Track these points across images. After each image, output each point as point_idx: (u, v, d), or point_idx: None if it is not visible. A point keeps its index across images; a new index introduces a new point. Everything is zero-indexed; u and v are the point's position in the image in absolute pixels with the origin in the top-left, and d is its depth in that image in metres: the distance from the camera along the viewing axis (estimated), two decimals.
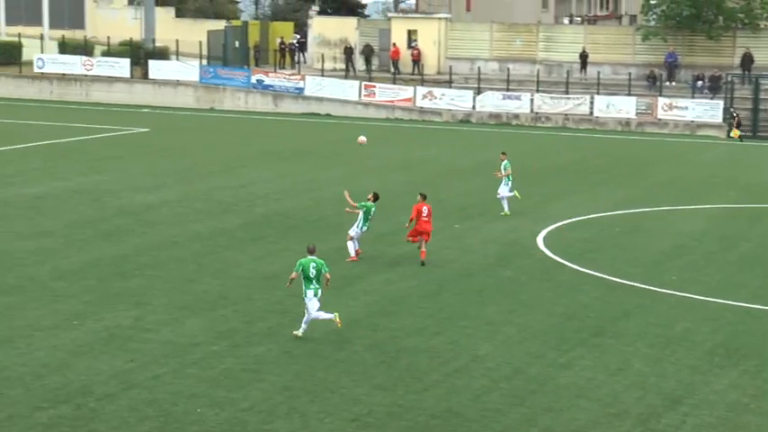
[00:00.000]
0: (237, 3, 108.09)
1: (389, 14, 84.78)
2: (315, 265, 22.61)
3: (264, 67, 77.00)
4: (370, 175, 44.44)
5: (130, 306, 24.56)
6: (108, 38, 78.17)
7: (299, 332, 22.62)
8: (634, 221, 36.22)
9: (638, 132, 62.69)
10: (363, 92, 68.69)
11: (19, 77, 77.33)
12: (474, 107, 66.59)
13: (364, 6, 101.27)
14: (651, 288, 27.43)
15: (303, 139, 56.94)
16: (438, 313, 24.66)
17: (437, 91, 67.75)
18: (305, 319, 22.66)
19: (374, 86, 68.84)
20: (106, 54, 77.34)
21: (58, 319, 23.47)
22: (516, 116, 65.63)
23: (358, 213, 29.83)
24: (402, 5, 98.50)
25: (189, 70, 73.29)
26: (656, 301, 26.32)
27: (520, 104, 65.91)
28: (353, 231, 29.84)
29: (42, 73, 76.41)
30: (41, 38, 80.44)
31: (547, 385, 20.15)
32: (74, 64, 75.80)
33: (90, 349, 21.49)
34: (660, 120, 63.28)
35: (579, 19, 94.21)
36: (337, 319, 22.61)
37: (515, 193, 36.84)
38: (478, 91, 67.46)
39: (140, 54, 75.54)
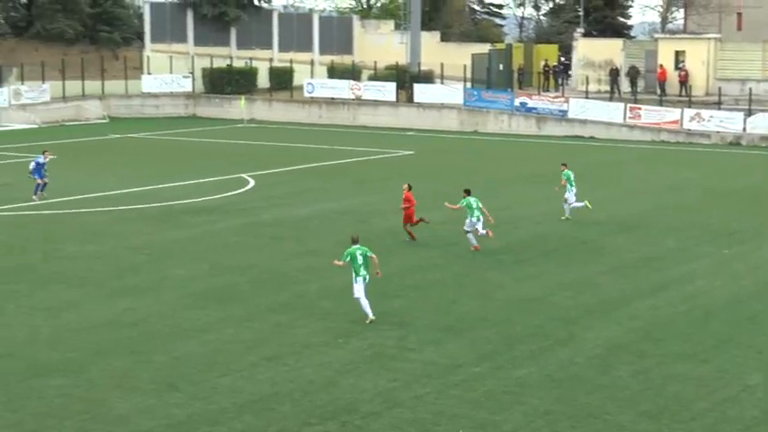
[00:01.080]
0: (502, 26, 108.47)
1: (656, 35, 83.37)
2: (361, 252, 24.84)
3: (528, 89, 76.99)
4: (634, 198, 43.78)
5: (394, 326, 24.87)
6: (375, 62, 79.88)
7: (370, 317, 24.77)
8: None
9: None
10: (628, 114, 67.69)
11: (290, 102, 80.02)
12: (744, 129, 64.52)
13: (630, 27, 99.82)
14: None
15: (566, 161, 56.41)
16: (706, 340, 23.94)
17: (705, 113, 66.01)
18: (363, 305, 24.83)
19: (639, 108, 67.74)
20: (373, 78, 79.07)
21: (326, 337, 24.01)
22: None
23: (462, 209, 32.96)
24: (669, 26, 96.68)
25: (453, 93, 74.02)
26: None
27: None
28: (467, 225, 32.75)
29: (312, 97, 78.79)
30: (311, 63, 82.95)
31: None
32: (342, 88, 77.87)
33: (355, 367, 21.88)
34: None
35: None
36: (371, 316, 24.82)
37: (587, 203, 37.83)
38: (749, 112, 65.36)
39: (406, 78, 76.80)
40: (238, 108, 78.74)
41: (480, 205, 32.82)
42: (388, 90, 76.11)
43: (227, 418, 19.14)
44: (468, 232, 33.00)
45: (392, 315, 25.79)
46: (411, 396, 20.20)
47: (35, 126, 74.18)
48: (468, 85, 75.24)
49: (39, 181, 42.36)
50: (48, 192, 42.71)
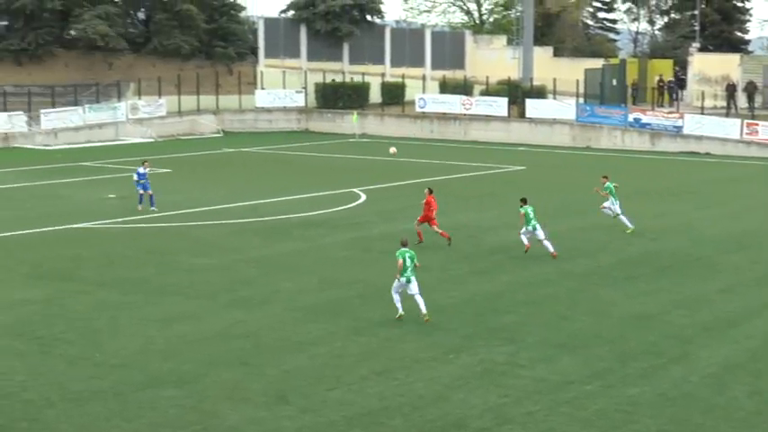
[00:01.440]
0: (616, 41, 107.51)
1: None
2: (409, 255, 26.32)
3: (642, 105, 76.16)
4: (750, 215, 43.02)
5: (504, 342, 24.73)
6: (486, 77, 79.73)
7: (423, 311, 26.18)
8: None
9: None
10: (745, 130, 66.51)
11: (401, 117, 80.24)
12: None
13: (748, 42, 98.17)
14: None
15: (680, 178, 55.78)
16: None
17: None
18: (396, 299, 26.42)
19: (757, 124, 66.53)
20: (484, 93, 78.93)
21: (435, 352, 23.95)
22: None
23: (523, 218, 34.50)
24: None
25: (565, 109, 73.55)
26: None
27: None
28: (523, 232, 34.38)
29: (423, 112, 78.90)
30: (423, 78, 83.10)
31: None
32: (453, 103, 77.87)
33: (465, 383, 21.78)
34: None
35: None
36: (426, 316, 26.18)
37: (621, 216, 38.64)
38: None
39: (518, 93, 76.52)
40: (350, 123, 79.18)
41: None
42: (500, 105, 75.94)
43: (337, 431, 19.18)
44: (522, 234, 34.56)
45: (503, 330, 25.66)
46: (522, 412, 20.03)
47: (151, 140, 75.53)
48: (581, 100, 74.68)
49: (142, 192, 43.29)
50: (162, 205, 43.43)
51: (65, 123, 74.08)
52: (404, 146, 71.19)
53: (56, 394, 20.98)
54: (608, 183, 39.00)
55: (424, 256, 34.08)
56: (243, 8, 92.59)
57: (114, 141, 74.64)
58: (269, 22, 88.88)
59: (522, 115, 75.36)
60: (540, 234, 34.18)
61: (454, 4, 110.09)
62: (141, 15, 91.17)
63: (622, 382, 21.87)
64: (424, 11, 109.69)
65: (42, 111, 73.63)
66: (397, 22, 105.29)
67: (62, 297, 29.05)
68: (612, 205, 38.62)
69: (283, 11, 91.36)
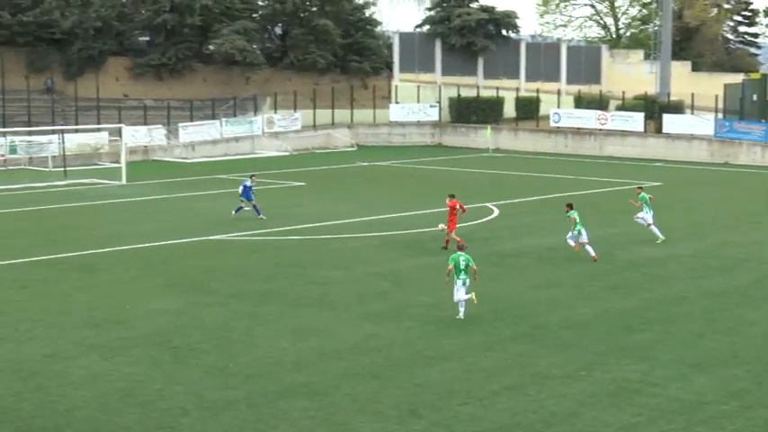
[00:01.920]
0: (757, 55, 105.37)
1: None
2: (464, 259, 27.61)
3: None
4: None
5: (637, 360, 24.38)
6: (623, 92, 78.90)
7: (461, 315, 27.55)
8: None
9: None
10: None
11: (536, 131, 79.91)
12: None
13: None
14: None
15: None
16: None
17: None
18: (459, 302, 27.59)
19: None
20: (620, 108, 78.13)
21: (568, 368, 23.72)
22: None
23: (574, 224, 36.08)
24: None
25: (703, 124, 72.38)
26: None
27: None
28: (570, 237, 36.17)
29: (558, 127, 78.41)
30: (558, 93, 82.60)
31: None
32: (588, 118, 77.25)
33: (598, 400, 21.52)
34: None
35: None
36: (474, 298, 27.46)
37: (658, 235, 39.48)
38: None
39: (654, 108, 75.55)
40: (484, 137, 79.10)
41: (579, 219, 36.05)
42: (636, 120, 75.09)
43: None
44: (569, 239, 36.29)
45: (636, 348, 25.30)
46: None
47: (286, 153, 76.51)
48: (720, 115, 73.38)
49: (245, 202, 44.20)
50: (296, 218, 43.93)
51: (202, 137, 75.54)
52: (538, 161, 70.98)
53: (191, 403, 21.33)
54: (642, 193, 40.07)
55: (557, 273, 33.91)
56: (378, 23, 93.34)
57: (250, 155, 75.79)
58: (404, 37, 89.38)
59: (658, 130, 74.39)
60: (584, 237, 35.81)
61: (591, 19, 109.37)
62: (278, 30, 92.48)
63: (760, 403, 21.38)
64: (560, 25, 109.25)
65: (181, 124, 75.18)
66: (533, 36, 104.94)
67: (197, 308, 29.54)
68: (646, 215, 39.48)
69: (418, 26, 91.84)
